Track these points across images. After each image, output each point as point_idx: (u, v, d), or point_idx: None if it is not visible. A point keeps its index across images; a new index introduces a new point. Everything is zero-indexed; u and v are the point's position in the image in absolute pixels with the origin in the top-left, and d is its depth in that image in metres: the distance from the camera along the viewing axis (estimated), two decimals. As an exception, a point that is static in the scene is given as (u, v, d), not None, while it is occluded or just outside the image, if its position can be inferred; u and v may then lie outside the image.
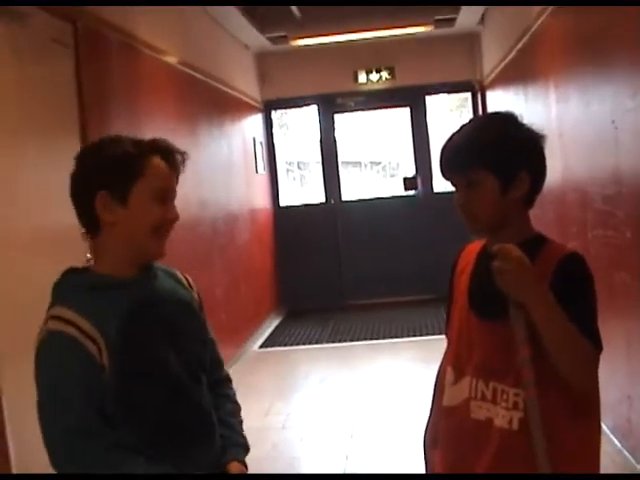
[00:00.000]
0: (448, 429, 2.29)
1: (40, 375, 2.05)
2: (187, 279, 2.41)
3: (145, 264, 2.23)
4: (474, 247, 2.36)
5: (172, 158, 2.21)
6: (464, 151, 2.16)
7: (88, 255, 4.40)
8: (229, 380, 2.51)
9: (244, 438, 2.40)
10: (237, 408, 2.46)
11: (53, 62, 4.42)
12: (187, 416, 2.21)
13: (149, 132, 5.84)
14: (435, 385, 2.46)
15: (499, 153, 2.12)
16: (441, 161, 2.22)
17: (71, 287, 2.14)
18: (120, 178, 2.12)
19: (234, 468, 2.28)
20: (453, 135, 2.22)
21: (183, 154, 2.25)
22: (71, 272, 2.19)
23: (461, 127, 2.28)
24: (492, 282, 2.14)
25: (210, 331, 2.44)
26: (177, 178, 2.24)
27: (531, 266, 1.99)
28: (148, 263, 2.24)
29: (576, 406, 2.07)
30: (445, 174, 2.23)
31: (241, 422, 2.45)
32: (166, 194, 2.19)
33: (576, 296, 2.02)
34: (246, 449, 2.38)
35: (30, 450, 3.53)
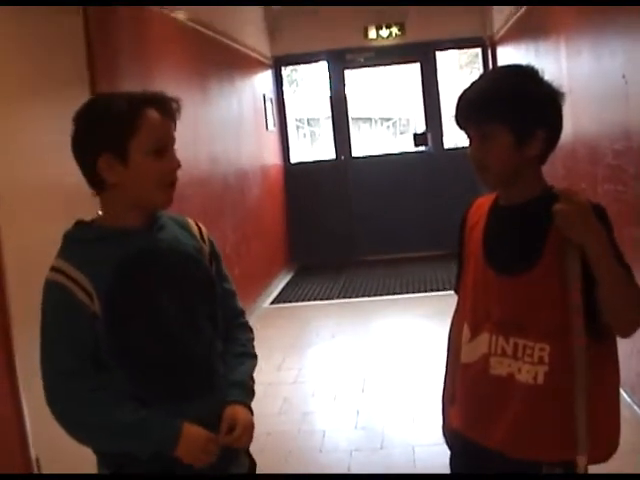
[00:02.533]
0: (466, 385, 2.29)
1: (41, 321, 2.16)
2: (200, 228, 2.40)
3: (151, 214, 2.24)
4: (484, 202, 2.33)
5: (166, 107, 2.19)
6: (481, 103, 2.12)
7: (99, 212, 4.41)
8: (243, 326, 2.49)
9: (241, 376, 2.36)
10: (243, 350, 2.42)
11: (62, 18, 4.40)
12: (181, 364, 2.22)
13: (159, 89, 5.83)
14: (449, 342, 2.46)
15: (516, 109, 2.08)
16: (457, 110, 2.18)
17: (73, 239, 2.21)
18: (117, 137, 2.12)
19: (229, 412, 2.24)
20: (473, 84, 2.19)
21: (177, 101, 2.24)
22: (77, 224, 2.24)
23: (482, 76, 2.26)
24: (509, 236, 2.16)
25: (226, 281, 2.44)
26: (174, 125, 2.23)
27: (592, 210, 1.99)
28: (155, 213, 2.26)
29: (601, 356, 2.13)
30: (460, 123, 2.20)
31: (246, 363, 2.41)
32: (164, 145, 2.17)
33: (611, 245, 2.03)
34: (244, 387, 2.34)
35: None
